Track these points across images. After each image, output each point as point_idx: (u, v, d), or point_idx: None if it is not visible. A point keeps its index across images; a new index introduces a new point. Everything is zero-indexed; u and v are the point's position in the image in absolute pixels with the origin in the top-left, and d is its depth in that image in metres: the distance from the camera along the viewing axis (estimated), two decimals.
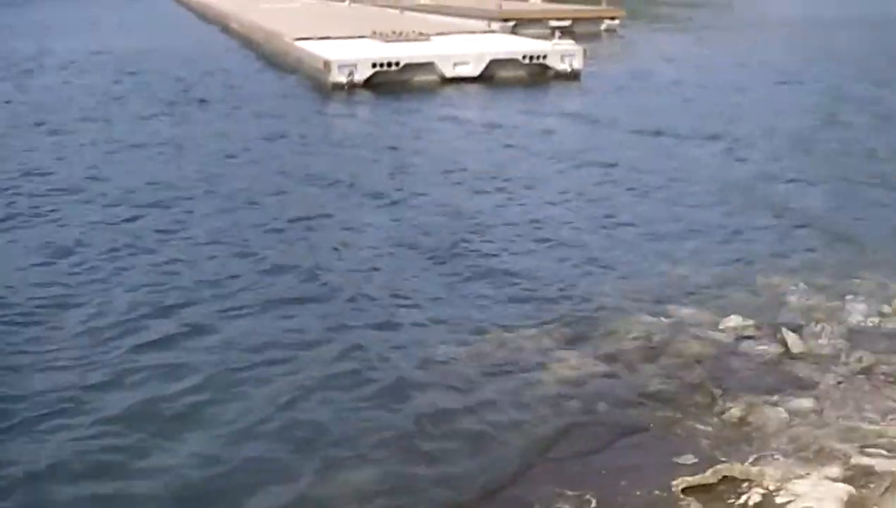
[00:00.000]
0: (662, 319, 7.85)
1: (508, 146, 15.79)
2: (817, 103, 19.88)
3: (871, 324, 7.67)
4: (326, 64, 21.63)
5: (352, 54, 22.54)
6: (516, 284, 8.96)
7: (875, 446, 5.58)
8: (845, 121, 17.57)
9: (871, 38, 35.18)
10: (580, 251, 9.98)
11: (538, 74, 23.32)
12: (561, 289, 8.79)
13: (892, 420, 5.96)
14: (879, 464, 5.37)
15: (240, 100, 20.73)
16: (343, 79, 21.17)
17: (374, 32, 26.51)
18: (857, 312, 7.86)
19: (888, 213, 11.25)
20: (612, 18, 39.54)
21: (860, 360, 6.93)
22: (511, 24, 36.03)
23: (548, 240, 10.39)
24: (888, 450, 5.51)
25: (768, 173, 13.38)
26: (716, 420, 6.13)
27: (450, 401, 6.59)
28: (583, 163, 14.31)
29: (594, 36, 36.27)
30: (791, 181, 12.92)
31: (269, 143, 16.06)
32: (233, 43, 34.62)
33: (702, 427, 6.03)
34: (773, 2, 60.58)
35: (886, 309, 7.93)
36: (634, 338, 7.50)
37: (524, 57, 23.41)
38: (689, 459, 5.62)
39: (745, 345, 7.35)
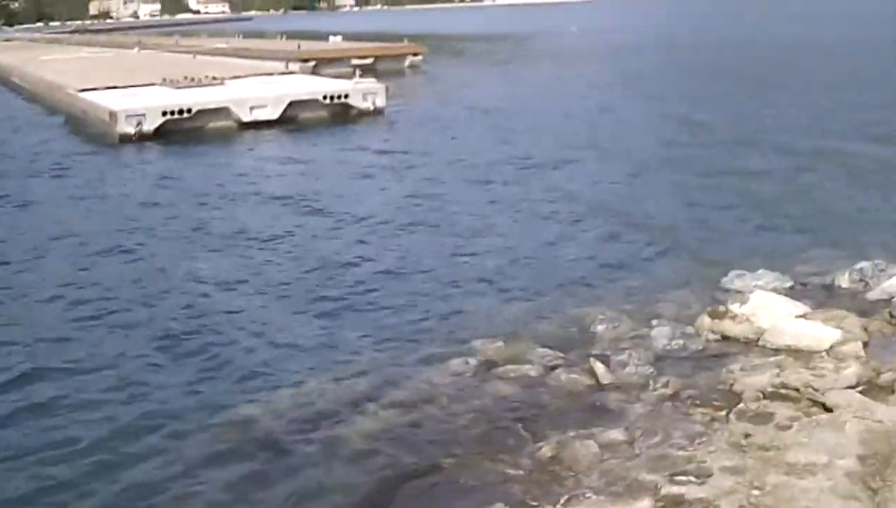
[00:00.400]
0: (470, 360, 7.78)
1: (323, 187, 15.62)
2: (619, 127, 20.69)
3: (676, 347, 7.84)
4: (112, 114, 20.86)
5: (140, 103, 21.88)
6: (327, 329, 8.82)
7: (685, 473, 5.64)
8: (645, 142, 18.33)
9: (673, 62, 37.08)
10: (392, 293, 9.88)
11: (340, 114, 23.27)
12: (370, 334, 8.66)
13: (699, 444, 6.06)
14: (689, 491, 5.41)
15: (23, 159, 19.68)
16: (131, 129, 20.44)
17: (165, 79, 25.83)
18: (663, 336, 8.02)
19: (695, 234, 11.67)
20: (415, 55, 40.23)
21: (667, 385, 7.05)
22: (311, 64, 36.00)
23: (362, 283, 10.23)
24: (697, 476, 5.57)
25: (578, 201, 13.69)
26: (527, 461, 6.07)
27: (258, 463, 6.33)
28: (396, 201, 14.29)
29: (398, 73, 36.78)
30: (601, 207, 13.26)
31: (65, 205, 15.21)
32: (16, 98, 33.05)
33: (513, 471, 5.95)
34: (573, 34, 63.14)
35: (690, 330, 8.14)
36: (443, 381, 7.40)
37: (325, 97, 23.35)
38: None
39: (556, 379, 7.37)
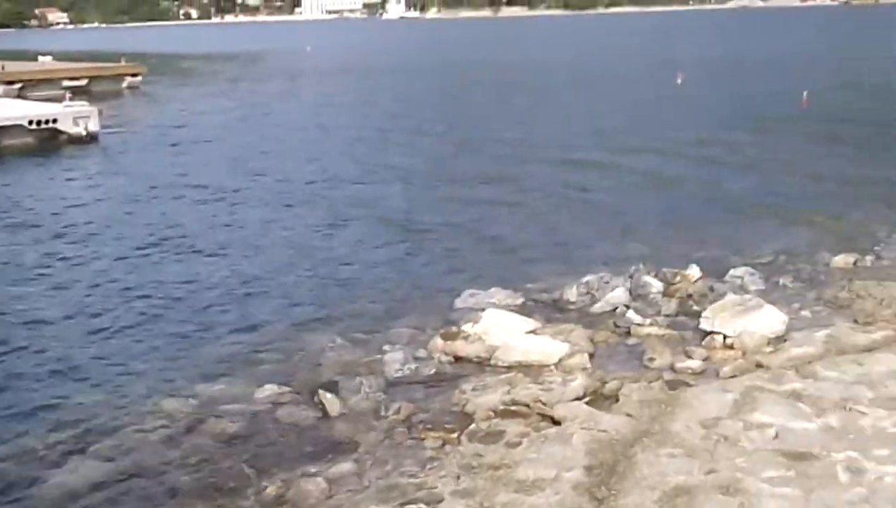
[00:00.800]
0: (191, 401, 7.51)
1: (30, 217, 14.73)
2: (343, 146, 20.88)
3: (409, 372, 7.92)
4: None
5: None
6: (31, 371, 8.35)
7: (414, 501, 5.67)
8: (388, 165, 18.59)
9: (412, 82, 37.85)
10: (112, 328, 9.44)
11: (49, 140, 22.11)
12: (77, 373, 8.25)
13: (430, 469, 6.13)
14: None
15: None
16: None
17: None
18: (396, 361, 8.07)
19: (432, 254, 11.88)
20: (134, 75, 39.08)
21: (399, 411, 7.10)
22: (17, 86, 34.15)
23: (84, 317, 9.81)
24: (427, 503, 5.62)
25: (311, 227, 13.64)
26: (250, 503, 5.92)
27: None
28: (116, 233, 13.65)
29: (116, 94, 35.60)
30: (336, 229, 13.30)
31: None
32: None
33: None
34: (307, 53, 63.44)
35: (423, 353, 8.25)
36: (158, 425, 7.10)
37: (30, 122, 22.11)
38: None
39: (282, 414, 7.25)
